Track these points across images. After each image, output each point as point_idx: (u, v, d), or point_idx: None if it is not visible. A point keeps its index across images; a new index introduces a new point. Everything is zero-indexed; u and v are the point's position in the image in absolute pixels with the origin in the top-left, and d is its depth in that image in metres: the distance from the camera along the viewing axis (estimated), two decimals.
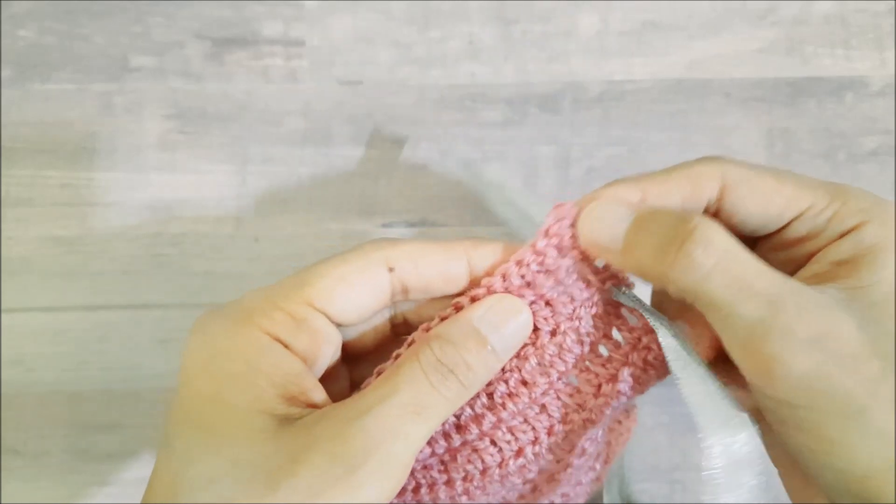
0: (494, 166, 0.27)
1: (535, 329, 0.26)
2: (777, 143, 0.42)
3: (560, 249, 0.25)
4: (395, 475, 0.22)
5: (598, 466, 0.32)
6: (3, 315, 0.41)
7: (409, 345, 0.25)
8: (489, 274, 0.26)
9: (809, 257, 0.25)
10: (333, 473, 0.21)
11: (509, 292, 0.26)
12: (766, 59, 0.42)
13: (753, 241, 0.27)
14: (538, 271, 0.25)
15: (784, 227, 0.26)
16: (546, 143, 0.42)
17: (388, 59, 0.42)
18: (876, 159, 0.42)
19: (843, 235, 0.25)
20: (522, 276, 0.25)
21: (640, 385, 0.27)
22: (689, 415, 0.41)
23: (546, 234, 0.25)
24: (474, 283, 0.26)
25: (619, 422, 0.32)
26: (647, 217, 0.24)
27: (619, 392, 0.27)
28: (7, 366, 0.40)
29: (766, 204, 0.25)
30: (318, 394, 0.24)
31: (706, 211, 0.26)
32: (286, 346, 0.24)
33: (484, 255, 0.26)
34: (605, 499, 0.35)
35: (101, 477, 0.40)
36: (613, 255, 0.25)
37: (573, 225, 0.25)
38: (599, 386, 0.27)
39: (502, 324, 0.25)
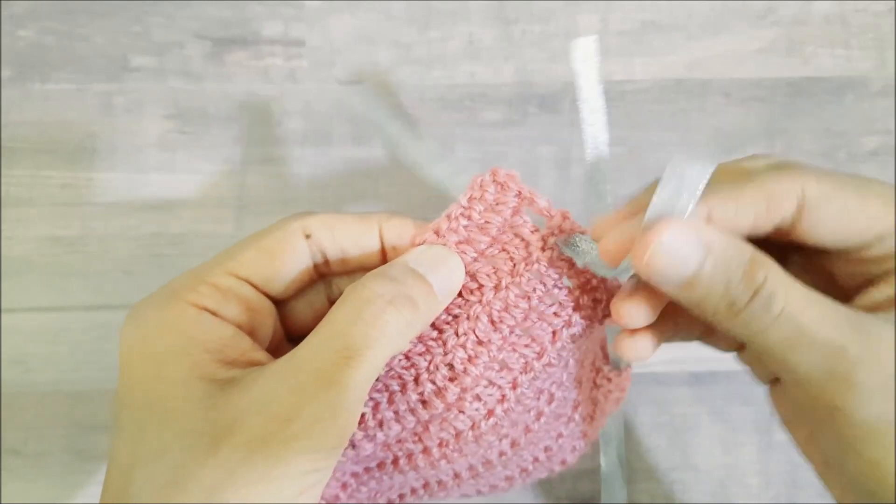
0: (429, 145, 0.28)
1: (480, 286, 0.27)
2: (777, 143, 0.42)
3: (486, 204, 0.26)
4: (336, 423, 0.22)
5: (577, 418, 0.32)
6: (3, 315, 0.41)
7: None
8: (402, 247, 0.27)
9: (882, 275, 0.24)
10: (269, 429, 0.21)
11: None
12: (766, 59, 0.42)
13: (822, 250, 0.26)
14: (467, 227, 0.26)
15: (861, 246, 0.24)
16: (546, 143, 0.42)
17: (388, 59, 0.42)
18: (876, 159, 0.42)
19: None
20: (455, 232, 0.26)
21: (592, 322, 0.28)
22: (688, 415, 0.41)
23: (471, 188, 0.26)
24: (387, 254, 0.27)
25: (609, 379, 0.32)
26: (719, 260, 0.22)
27: (573, 335, 0.28)
28: (7, 366, 0.40)
29: (846, 225, 0.24)
30: (259, 354, 0.25)
31: (780, 227, 0.24)
32: (215, 314, 0.24)
33: (395, 227, 0.27)
34: (602, 460, 0.35)
35: (100, 477, 0.40)
36: (674, 287, 0.23)
37: (497, 182, 0.26)
38: (555, 332, 0.27)
39: (436, 266, 0.25)
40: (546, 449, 0.32)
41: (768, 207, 0.23)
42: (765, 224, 0.24)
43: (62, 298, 0.41)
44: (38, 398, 0.40)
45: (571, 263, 0.27)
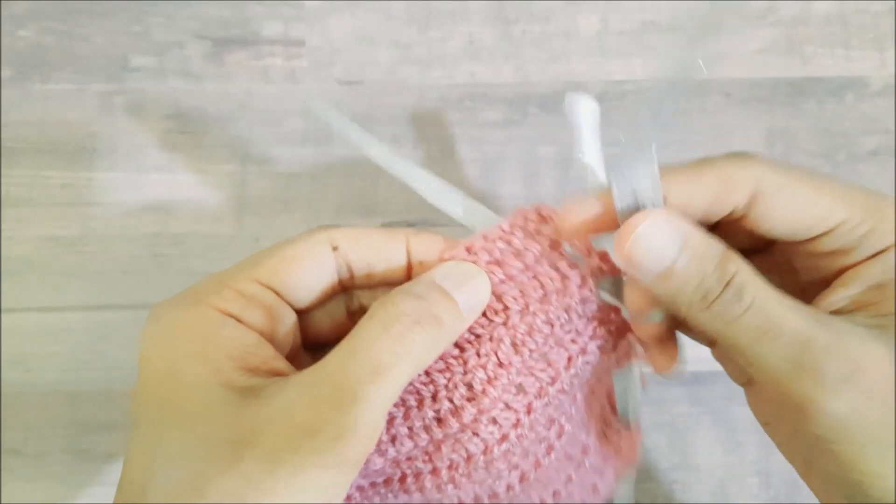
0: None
1: (506, 308, 0.27)
2: (777, 143, 0.42)
3: (527, 233, 0.26)
4: (358, 439, 0.22)
5: (587, 465, 0.32)
6: (3, 315, 0.41)
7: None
8: (430, 264, 0.27)
9: (839, 272, 0.25)
10: (291, 441, 0.21)
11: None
12: (766, 59, 0.42)
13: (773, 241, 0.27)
14: (503, 250, 0.26)
15: (814, 238, 0.25)
16: (546, 143, 0.42)
17: (388, 59, 0.42)
18: (876, 159, 0.42)
19: (876, 255, 0.24)
20: (489, 252, 0.26)
21: (606, 353, 0.28)
22: (688, 415, 0.41)
23: (516, 215, 0.27)
24: (413, 269, 0.27)
25: (618, 434, 0.32)
26: (694, 253, 0.23)
27: (587, 363, 0.28)
28: (7, 366, 0.40)
29: (798, 216, 0.24)
30: (280, 363, 0.24)
31: (731, 215, 0.25)
32: (239, 321, 0.24)
33: (423, 243, 0.27)
34: None
35: (101, 477, 0.40)
36: (651, 278, 0.24)
37: (541, 214, 0.26)
38: (570, 359, 0.27)
39: (463, 283, 0.25)
40: (555, 493, 0.32)
41: (724, 191, 0.24)
42: (719, 209, 0.24)
43: (62, 298, 0.41)
44: (38, 398, 0.40)
45: (592, 296, 0.27)
